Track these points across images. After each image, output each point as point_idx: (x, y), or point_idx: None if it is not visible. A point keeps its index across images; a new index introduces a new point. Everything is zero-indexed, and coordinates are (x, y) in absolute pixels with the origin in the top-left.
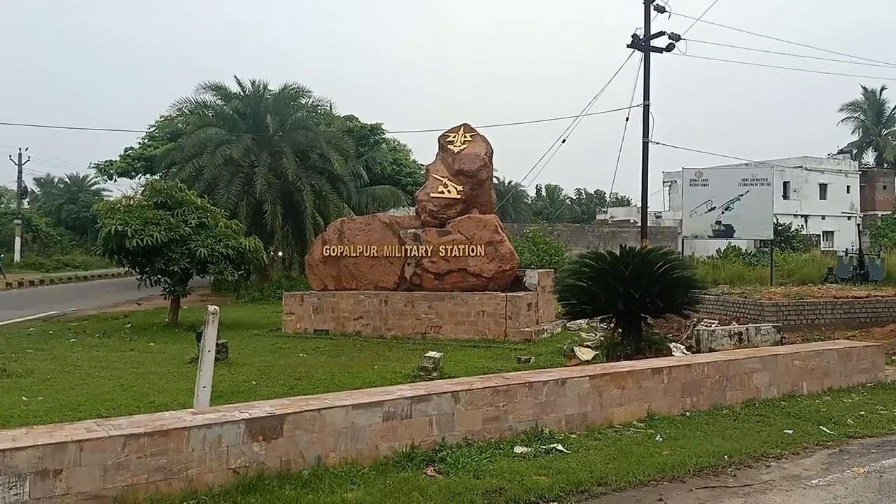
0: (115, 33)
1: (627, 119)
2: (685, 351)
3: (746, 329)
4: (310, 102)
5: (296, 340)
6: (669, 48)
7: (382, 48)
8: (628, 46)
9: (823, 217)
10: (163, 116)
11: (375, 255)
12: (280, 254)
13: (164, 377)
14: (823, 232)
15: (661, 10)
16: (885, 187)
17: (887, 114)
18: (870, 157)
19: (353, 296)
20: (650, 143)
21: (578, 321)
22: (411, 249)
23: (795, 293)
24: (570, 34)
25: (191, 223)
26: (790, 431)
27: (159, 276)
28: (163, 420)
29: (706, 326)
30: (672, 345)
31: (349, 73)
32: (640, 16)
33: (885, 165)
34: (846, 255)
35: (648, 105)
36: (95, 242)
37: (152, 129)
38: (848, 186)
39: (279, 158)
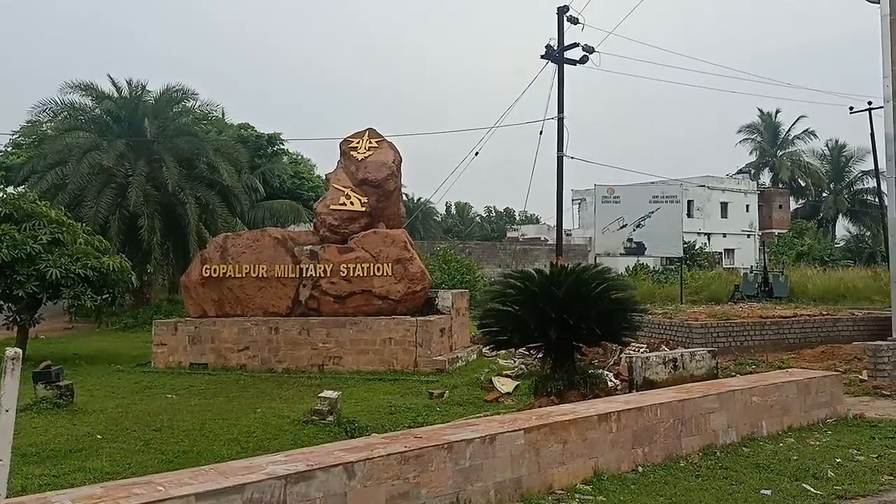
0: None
1: (541, 132)
2: (614, 379)
3: (681, 355)
4: (196, 106)
5: (166, 377)
6: (583, 60)
7: (283, 52)
8: (542, 57)
9: (725, 235)
10: (28, 121)
11: (265, 275)
12: (152, 272)
13: None
14: (725, 249)
15: (574, 21)
16: (780, 206)
17: (782, 136)
18: (766, 178)
19: (238, 323)
20: (565, 158)
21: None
22: (307, 269)
23: (721, 313)
24: (482, 44)
25: (41, 239)
26: (768, 492)
27: (1, 301)
28: None
29: (635, 352)
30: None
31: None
32: (554, 26)
33: (781, 185)
34: (751, 272)
35: (563, 118)
36: None
37: (16, 136)
38: (747, 206)
39: (159, 168)
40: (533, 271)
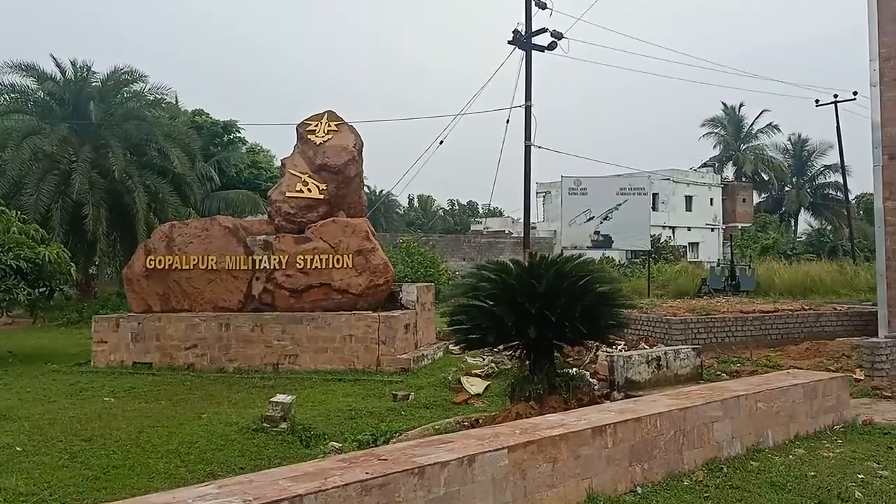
0: None
1: (508, 121)
2: (591, 379)
3: (665, 353)
4: (146, 89)
5: (106, 378)
6: (552, 47)
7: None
8: (509, 43)
9: (689, 228)
10: None
11: (215, 267)
12: (98, 264)
13: None
14: (689, 243)
15: (542, 6)
16: (744, 200)
17: (745, 129)
18: (730, 172)
19: (185, 319)
20: (532, 147)
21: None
22: (261, 260)
23: (700, 308)
24: (451, 30)
25: None
26: None
27: None
28: None
29: (614, 349)
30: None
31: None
32: (522, 10)
33: (744, 179)
34: (718, 265)
35: (530, 106)
36: None
37: None
38: (711, 199)
39: (105, 154)
40: (510, 262)
